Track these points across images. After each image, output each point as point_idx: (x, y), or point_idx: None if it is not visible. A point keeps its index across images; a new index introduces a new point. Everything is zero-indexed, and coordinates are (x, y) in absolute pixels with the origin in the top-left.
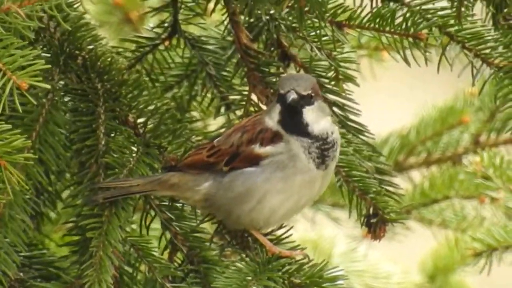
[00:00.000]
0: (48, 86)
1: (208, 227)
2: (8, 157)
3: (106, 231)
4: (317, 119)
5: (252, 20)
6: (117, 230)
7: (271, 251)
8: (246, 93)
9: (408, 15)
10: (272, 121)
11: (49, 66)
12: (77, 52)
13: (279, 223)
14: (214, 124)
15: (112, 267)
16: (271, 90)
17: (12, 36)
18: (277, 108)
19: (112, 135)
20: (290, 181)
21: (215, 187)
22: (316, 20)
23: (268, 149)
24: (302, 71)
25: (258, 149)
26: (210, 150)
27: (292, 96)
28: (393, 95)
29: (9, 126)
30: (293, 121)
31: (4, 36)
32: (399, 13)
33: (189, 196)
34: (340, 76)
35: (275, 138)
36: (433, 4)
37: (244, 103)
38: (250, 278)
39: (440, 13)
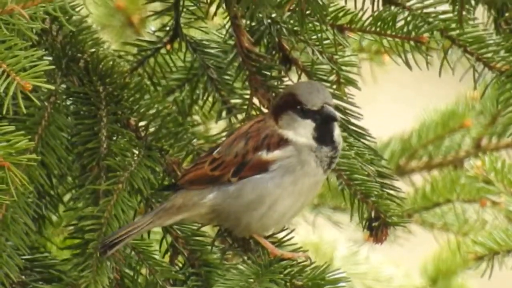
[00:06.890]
0: (52, 87)
1: (209, 230)
2: (12, 158)
3: (105, 233)
4: (337, 127)
5: (253, 23)
6: None
7: (273, 253)
8: (247, 96)
9: (409, 18)
10: (301, 137)
11: (53, 67)
12: (79, 55)
13: (284, 225)
14: (216, 128)
15: (111, 269)
16: (273, 94)
17: (16, 37)
18: (309, 124)
19: (114, 138)
20: (300, 183)
21: (221, 197)
22: (317, 24)
23: (276, 153)
24: (303, 75)
25: (266, 155)
26: (213, 163)
27: (335, 112)
28: (394, 99)
29: (13, 128)
30: (328, 134)
31: (7, 37)
32: (401, 16)
33: (197, 212)
34: (342, 80)
35: (281, 142)
36: (435, 7)
37: (245, 107)
38: (252, 280)
39: (441, 16)
